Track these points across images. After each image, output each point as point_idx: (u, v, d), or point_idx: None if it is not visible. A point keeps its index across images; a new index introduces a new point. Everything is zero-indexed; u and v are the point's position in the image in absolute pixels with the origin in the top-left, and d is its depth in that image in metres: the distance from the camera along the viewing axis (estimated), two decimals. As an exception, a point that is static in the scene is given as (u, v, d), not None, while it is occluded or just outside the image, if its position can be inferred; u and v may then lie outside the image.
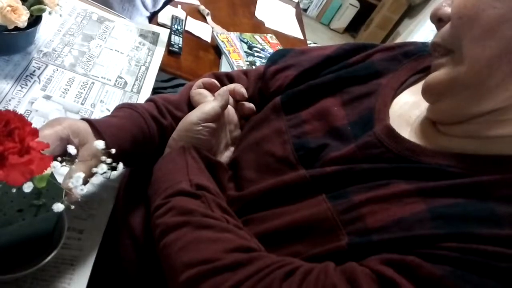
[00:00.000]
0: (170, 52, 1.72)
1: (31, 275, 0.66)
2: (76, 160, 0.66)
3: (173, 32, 1.80)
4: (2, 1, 0.79)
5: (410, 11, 4.53)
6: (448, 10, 0.61)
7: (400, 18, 4.61)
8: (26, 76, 0.95)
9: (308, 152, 0.71)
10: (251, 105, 0.90)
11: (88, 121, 0.72)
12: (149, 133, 0.79)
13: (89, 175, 0.66)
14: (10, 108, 0.85)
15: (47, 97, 0.93)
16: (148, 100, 0.87)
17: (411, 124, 0.70)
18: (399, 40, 4.36)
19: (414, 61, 0.77)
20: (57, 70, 1.01)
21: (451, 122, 0.65)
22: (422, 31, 3.95)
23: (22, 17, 0.83)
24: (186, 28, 1.92)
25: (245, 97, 0.87)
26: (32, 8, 0.88)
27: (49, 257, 0.62)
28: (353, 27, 5.05)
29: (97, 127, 0.71)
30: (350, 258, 0.57)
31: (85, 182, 0.65)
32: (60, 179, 0.63)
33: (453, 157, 0.61)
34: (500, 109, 0.59)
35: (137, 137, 0.77)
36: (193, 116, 0.78)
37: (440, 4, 0.63)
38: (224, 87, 0.84)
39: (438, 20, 0.63)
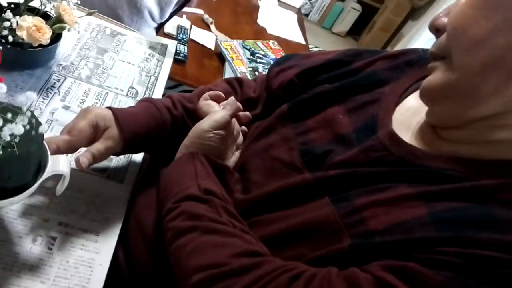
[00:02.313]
0: (176, 60, 1.76)
1: (54, 272, 0.72)
2: None
3: (178, 41, 1.83)
4: (28, 21, 0.85)
5: (413, 13, 4.48)
6: (444, 20, 0.63)
7: (403, 21, 4.56)
8: (47, 88, 1.00)
9: (314, 157, 0.73)
10: (247, 113, 0.94)
11: (111, 109, 0.82)
12: (161, 120, 0.87)
13: (105, 153, 0.79)
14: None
15: (66, 108, 0.98)
16: (166, 96, 0.95)
17: (411, 129, 0.72)
18: (402, 42, 4.34)
19: (417, 69, 0.78)
20: (75, 82, 1.06)
21: (448, 126, 0.66)
22: (425, 33, 3.88)
23: (45, 35, 0.88)
24: (191, 37, 1.96)
25: (241, 109, 0.90)
26: (54, 26, 0.93)
27: (27, 191, 0.64)
28: (356, 30, 5.02)
29: (116, 114, 0.81)
30: (352, 260, 0.59)
31: (101, 159, 0.79)
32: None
33: (453, 161, 0.62)
34: (497, 115, 0.60)
35: (150, 123, 0.85)
36: (205, 124, 0.82)
37: (438, 14, 0.65)
38: (232, 98, 0.88)
39: (436, 30, 0.65)
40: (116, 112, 0.82)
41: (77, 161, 0.75)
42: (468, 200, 0.57)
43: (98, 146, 0.78)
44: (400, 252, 0.56)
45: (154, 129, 0.86)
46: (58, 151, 0.73)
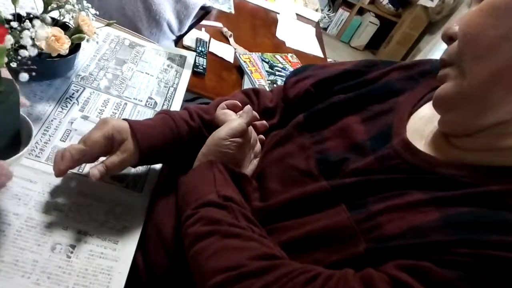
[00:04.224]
0: (195, 73, 1.77)
1: (73, 280, 0.72)
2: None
3: (197, 54, 1.84)
4: (47, 31, 0.85)
5: (431, 28, 4.52)
6: (457, 28, 0.64)
7: (420, 35, 4.61)
8: (66, 98, 1.01)
9: (330, 165, 0.74)
10: (264, 122, 0.95)
11: (128, 121, 0.84)
12: (178, 132, 0.88)
13: (120, 165, 0.81)
14: (52, 127, 0.93)
15: (85, 118, 0.99)
16: (183, 109, 0.96)
17: (425, 138, 0.73)
18: (420, 56, 4.35)
19: (430, 79, 0.79)
20: (94, 92, 1.07)
21: (460, 134, 0.67)
22: (442, 47, 3.91)
23: (64, 46, 0.88)
24: (209, 50, 1.97)
25: (257, 118, 0.91)
26: (73, 37, 0.93)
27: (20, 153, 0.68)
28: (374, 44, 5.06)
29: (133, 127, 0.82)
30: (368, 264, 0.60)
31: (115, 171, 0.82)
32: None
33: (465, 168, 0.63)
34: (506, 122, 0.61)
35: (166, 135, 0.87)
36: (222, 132, 0.83)
37: (451, 23, 0.67)
38: (248, 106, 0.88)
39: (449, 38, 0.66)
40: (132, 125, 0.83)
41: (89, 173, 0.78)
42: (478, 205, 0.58)
43: (113, 158, 0.80)
44: (415, 256, 0.57)
45: (171, 141, 0.87)
46: (71, 159, 0.76)
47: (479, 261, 0.52)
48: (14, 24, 0.82)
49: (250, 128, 0.89)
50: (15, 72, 0.72)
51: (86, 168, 0.88)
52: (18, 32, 0.80)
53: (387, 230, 0.61)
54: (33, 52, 0.72)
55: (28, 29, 0.82)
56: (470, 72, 0.61)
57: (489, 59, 0.58)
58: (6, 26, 0.73)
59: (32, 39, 0.81)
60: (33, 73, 0.79)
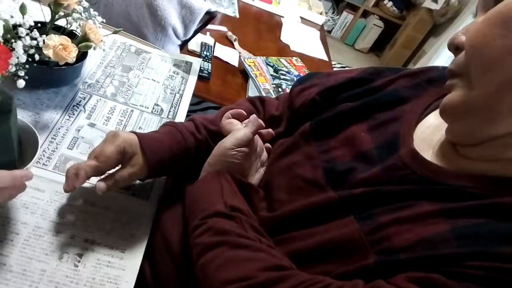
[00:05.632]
0: (200, 77, 1.74)
1: None
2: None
3: (202, 58, 1.85)
4: (55, 40, 0.86)
5: (435, 30, 4.48)
6: (463, 38, 0.63)
7: (425, 37, 4.57)
8: (73, 106, 1.01)
9: (337, 175, 0.74)
10: (270, 130, 0.95)
11: (137, 135, 0.84)
12: (185, 145, 0.88)
13: (129, 179, 0.81)
14: (59, 135, 0.93)
15: (92, 125, 0.99)
16: (189, 120, 0.95)
17: (433, 147, 0.72)
18: (424, 59, 4.34)
19: (438, 87, 0.78)
20: (100, 99, 1.07)
21: (468, 143, 0.66)
22: (447, 50, 3.87)
23: (72, 54, 0.89)
24: (214, 54, 1.97)
25: (263, 126, 0.90)
26: (80, 45, 0.94)
27: (29, 164, 0.69)
28: (378, 47, 5.03)
29: (142, 142, 0.82)
30: (378, 277, 0.59)
31: (123, 184, 0.82)
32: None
33: (474, 178, 0.62)
34: None
35: (174, 149, 0.87)
36: (228, 142, 0.82)
37: (457, 33, 0.65)
38: (254, 115, 0.88)
39: (455, 48, 0.65)
40: (141, 140, 0.83)
41: (96, 186, 0.78)
42: (488, 217, 0.57)
43: (122, 172, 0.81)
44: (425, 268, 0.56)
45: (179, 155, 0.87)
46: (86, 176, 0.76)
47: (492, 274, 0.52)
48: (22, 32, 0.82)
49: (256, 136, 0.89)
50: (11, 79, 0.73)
51: (93, 177, 0.87)
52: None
53: (396, 242, 0.60)
54: (23, 59, 0.73)
55: (36, 39, 0.82)
56: (477, 83, 0.60)
57: (497, 69, 0.57)
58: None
59: (26, 47, 0.82)
60: (26, 77, 0.80)
